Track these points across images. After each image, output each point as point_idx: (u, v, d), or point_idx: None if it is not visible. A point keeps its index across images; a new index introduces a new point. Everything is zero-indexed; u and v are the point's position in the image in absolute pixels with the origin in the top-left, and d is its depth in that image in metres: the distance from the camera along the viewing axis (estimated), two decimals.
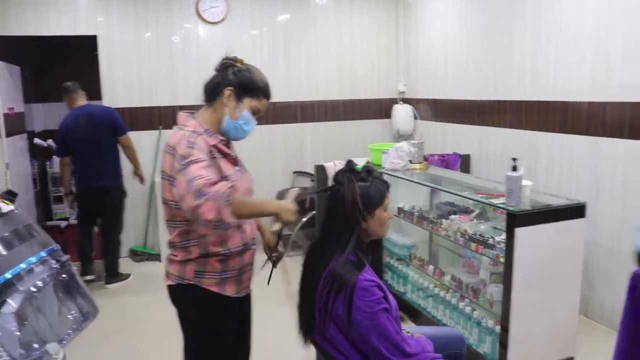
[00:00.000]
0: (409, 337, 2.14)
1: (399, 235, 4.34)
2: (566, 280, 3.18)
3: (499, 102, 4.89)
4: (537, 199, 3.19)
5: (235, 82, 2.18)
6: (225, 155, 2.19)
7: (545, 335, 3.18)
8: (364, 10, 6.38)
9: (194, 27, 5.78)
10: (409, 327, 2.66)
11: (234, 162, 2.26)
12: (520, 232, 2.89)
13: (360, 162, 4.48)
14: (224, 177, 2.11)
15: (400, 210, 4.19)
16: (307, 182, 5.93)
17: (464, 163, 5.24)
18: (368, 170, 2.17)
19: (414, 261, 4.13)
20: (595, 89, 3.85)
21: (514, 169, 2.95)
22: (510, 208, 2.93)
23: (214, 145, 2.13)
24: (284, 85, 6.04)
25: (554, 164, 4.27)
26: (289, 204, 2.15)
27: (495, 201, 3.10)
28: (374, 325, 1.96)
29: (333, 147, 6.21)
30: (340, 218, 2.09)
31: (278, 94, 5.80)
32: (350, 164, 2.20)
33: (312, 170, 5.53)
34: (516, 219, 2.89)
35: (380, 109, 6.53)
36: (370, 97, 6.50)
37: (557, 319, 3.21)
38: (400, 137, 6.20)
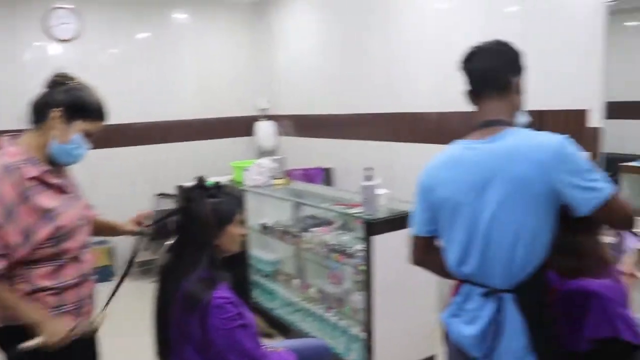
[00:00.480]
0: (270, 352, 2.12)
1: (264, 252, 4.33)
2: (423, 282, 3.30)
3: (357, 115, 5.06)
4: (393, 206, 3.30)
5: (65, 102, 1.98)
6: (49, 186, 1.98)
7: (408, 336, 3.30)
8: (224, 28, 6.36)
9: (44, 45, 5.41)
10: (275, 342, 2.64)
11: (62, 190, 2.03)
12: (377, 240, 2.99)
13: (222, 181, 4.45)
14: (46, 211, 1.92)
15: (263, 226, 4.18)
16: (170, 204, 5.75)
17: (327, 176, 5.34)
18: (219, 186, 2.14)
19: (280, 276, 4.13)
20: (443, 100, 4.09)
21: (368, 178, 3.04)
22: (366, 217, 3.02)
23: (34, 177, 1.92)
24: (144, 105, 5.82)
25: (409, 172, 4.45)
26: (56, 328, 1.93)
27: (352, 211, 3.18)
28: (232, 343, 1.92)
29: (196, 167, 6.02)
30: (191, 235, 2.04)
31: (138, 115, 5.73)
32: (200, 180, 2.15)
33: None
34: (372, 227, 2.98)
35: (243, 126, 6.51)
36: (233, 115, 6.47)
37: (418, 319, 3.34)
38: (263, 154, 6.21)
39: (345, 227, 3.74)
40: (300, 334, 3.77)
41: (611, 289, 1.84)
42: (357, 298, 3.35)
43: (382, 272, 3.04)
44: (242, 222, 2.14)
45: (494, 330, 1.70)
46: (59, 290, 1.99)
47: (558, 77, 3.40)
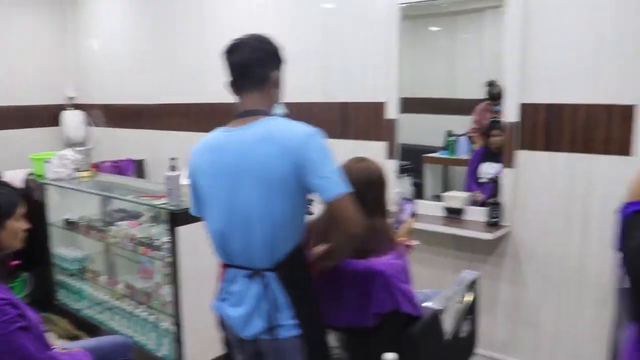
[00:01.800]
0: (61, 354, 2.00)
1: (68, 249, 4.07)
2: None
3: (169, 105, 4.94)
4: None
5: None
6: None
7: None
8: (25, 9, 5.82)
9: None
10: (72, 343, 2.50)
11: None
12: (182, 230, 2.94)
13: (19, 174, 4.11)
14: None
15: (67, 221, 3.93)
16: None
17: (138, 168, 5.16)
18: None
19: (87, 274, 3.92)
20: None
21: (173, 168, 2.98)
22: (171, 207, 2.96)
23: None
24: None
25: None
26: None
27: (157, 202, 3.10)
28: (12, 348, 1.78)
29: None
30: None
31: None
32: None
33: None
34: (177, 218, 2.93)
35: (48, 115, 6.04)
36: (36, 103, 5.96)
37: None
38: (71, 145, 5.82)
39: (157, 220, 3.63)
40: (109, 333, 3.61)
41: (393, 266, 1.99)
42: (166, 291, 3.28)
43: (189, 263, 2.99)
44: (24, 216, 1.99)
45: (262, 308, 1.79)
46: None
47: (360, 72, 3.60)
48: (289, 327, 1.78)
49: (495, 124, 3.39)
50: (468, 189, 3.58)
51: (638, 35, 2.62)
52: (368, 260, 2.02)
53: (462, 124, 3.78)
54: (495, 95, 3.48)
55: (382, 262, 1.99)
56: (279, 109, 1.91)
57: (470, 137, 3.74)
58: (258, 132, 1.73)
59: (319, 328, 1.88)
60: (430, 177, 3.97)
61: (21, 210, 1.97)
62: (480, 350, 3.24)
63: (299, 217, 1.80)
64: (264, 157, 1.70)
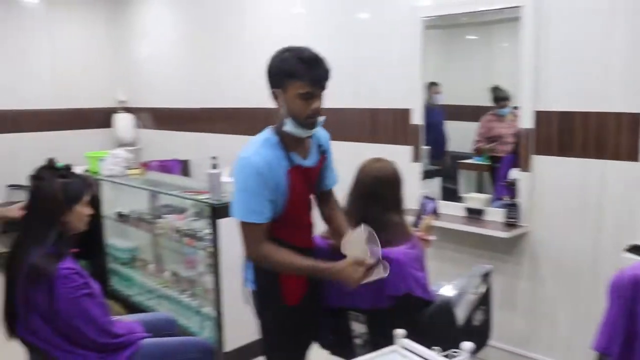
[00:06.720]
0: (117, 321, 2.31)
1: (120, 240, 4.43)
2: None
3: (210, 109, 5.28)
4: None
5: None
6: None
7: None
8: (81, 18, 6.30)
9: None
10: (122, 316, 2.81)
11: None
12: (222, 223, 3.23)
13: (77, 170, 4.48)
14: None
15: (119, 214, 4.29)
16: (22, 196, 5.62)
17: (184, 168, 5.50)
18: (67, 167, 2.30)
19: (137, 263, 4.25)
20: None
21: (214, 167, 3.29)
22: (212, 202, 3.26)
23: None
24: None
25: None
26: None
27: (200, 197, 3.41)
28: (79, 310, 2.09)
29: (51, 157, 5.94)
30: (41, 212, 2.18)
31: None
32: (51, 162, 2.30)
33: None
34: (218, 211, 3.22)
35: (101, 118, 6.48)
36: (90, 107, 6.42)
37: None
38: (122, 145, 6.22)
39: (200, 215, 3.93)
40: None
41: (406, 255, 2.24)
42: (208, 279, 3.57)
43: (229, 252, 3.26)
44: (89, 203, 2.31)
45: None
46: None
47: (387, 81, 3.83)
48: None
49: None
50: (498, 193, 3.72)
51: None
52: (385, 249, 2.27)
53: None
54: (499, 99, 3.64)
55: (397, 250, 2.24)
56: (288, 125, 2.06)
57: (476, 149, 3.89)
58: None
59: None
60: (466, 181, 4.11)
61: (87, 197, 2.29)
62: (500, 344, 3.44)
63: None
64: None
